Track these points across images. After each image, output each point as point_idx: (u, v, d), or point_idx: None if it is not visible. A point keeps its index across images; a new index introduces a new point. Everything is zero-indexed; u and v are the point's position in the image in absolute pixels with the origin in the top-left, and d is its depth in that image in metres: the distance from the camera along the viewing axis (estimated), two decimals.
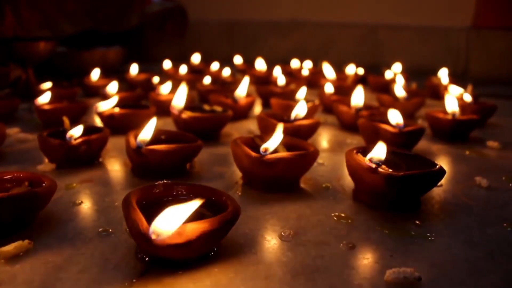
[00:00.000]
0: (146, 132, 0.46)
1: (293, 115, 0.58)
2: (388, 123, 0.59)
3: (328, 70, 1.04)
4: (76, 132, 0.49)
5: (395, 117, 0.57)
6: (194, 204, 0.29)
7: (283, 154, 0.42)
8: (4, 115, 0.72)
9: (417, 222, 0.40)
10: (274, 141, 0.43)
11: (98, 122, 0.75)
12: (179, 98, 0.60)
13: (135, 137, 0.48)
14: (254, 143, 0.48)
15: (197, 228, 0.29)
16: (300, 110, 0.58)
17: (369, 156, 0.42)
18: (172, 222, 0.28)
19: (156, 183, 0.36)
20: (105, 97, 0.78)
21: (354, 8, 1.46)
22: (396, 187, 0.40)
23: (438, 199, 0.46)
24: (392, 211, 0.42)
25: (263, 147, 0.42)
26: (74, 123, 0.55)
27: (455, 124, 0.65)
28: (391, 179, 0.39)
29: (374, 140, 0.57)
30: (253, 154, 0.42)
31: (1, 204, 0.34)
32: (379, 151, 0.42)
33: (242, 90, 0.71)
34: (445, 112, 0.69)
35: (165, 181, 0.36)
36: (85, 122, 0.73)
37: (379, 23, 1.44)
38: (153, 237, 0.27)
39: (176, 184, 0.36)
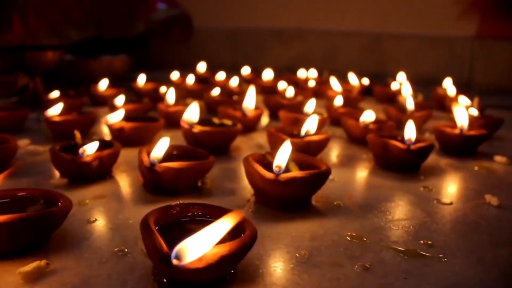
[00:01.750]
0: (159, 150, 0.46)
1: (303, 130, 0.58)
2: (396, 138, 0.59)
3: (334, 83, 1.04)
4: (89, 148, 0.50)
5: (410, 132, 0.57)
6: (219, 233, 0.29)
7: (296, 173, 0.43)
8: (13, 125, 0.72)
9: (429, 242, 0.40)
10: (283, 157, 0.43)
11: (105, 132, 0.76)
12: (191, 113, 0.60)
13: (148, 153, 0.48)
14: (266, 159, 0.48)
15: (217, 252, 0.29)
16: (310, 126, 0.58)
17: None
18: (195, 248, 0.28)
19: (172, 204, 0.36)
20: (114, 108, 0.78)
21: (358, 17, 1.46)
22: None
23: (448, 218, 0.46)
24: (403, 230, 0.42)
25: (275, 165, 0.42)
26: (83, 135, 0.55)
27: (464, 139, 0.65)
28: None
29: (383, 155, 0.58)
30: (267, 174, 0.42)
31: (19, 224, 0.34)
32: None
33: (250, 102, 0.71)
34: (453, 126, 0.69)
35: (181, 202, 0.36)
36: (94, 134, 0.73)
37: (383, 32, 1.45)
38: (175, 262, 0.28)
39: (192, 205, 0.36)
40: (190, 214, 0.36)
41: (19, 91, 1.00)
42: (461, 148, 0.66)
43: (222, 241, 0.31)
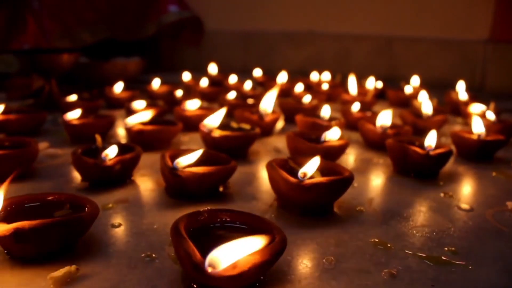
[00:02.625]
0: (188, 159, 0.46)
1: (323, 137, 0.58)
2: (415, 144, 0.59)
3: (352, 86, 1.04)
4: (111, 152, 0.50)
5: (431, 139, 0.58)
6: (251, 247, 0.29)
7: (320, 179, 0.43)
8: (31, 127, 0.73)
9: (453, 249, 0.40)
10: (312, 167, 0.43)
11: (121, 134, 0.76)
12: (214, 119, 0.60)
13: (170, 158, 0.48)
14: (288, 165, 0.49)
15: (250, 260, 0.29)
16: (333, 135, 0.58)
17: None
18: (228, 255, 0.28)
19: (201, 210, 0.36)
20: (130, 111, 0.78)
21: (370, 20, 1.46)
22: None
23: (470, 224, 0.46)
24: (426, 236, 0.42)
25: (301, 171, 0.43)
26: (101, 138, 0.56)
27: (482, 145, 0.65)
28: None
29: (401, 160, 0.58)
30: (291, 179, 0.42)
31: (48, 230, 0.34)
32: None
33: (269, 106, 0.71)
34: (469, 131, 0.69)
35: (209, 208, 0.37)
36: (111, 137, 0.74)
37: (395, 35, 1.44)
38: (209, 270, 0.28)
39: (220, 211, 0.37)
40: (219, 220, 0.36)
41: (34, 93, 1.01)
42: (478, 154, 0.66)
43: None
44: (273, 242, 0.32)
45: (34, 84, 1.01)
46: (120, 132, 0.78)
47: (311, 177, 0.44)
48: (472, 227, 0.45)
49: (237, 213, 0.36)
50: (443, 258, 0.39)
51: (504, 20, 1.25)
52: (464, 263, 0.38)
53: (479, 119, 0.67)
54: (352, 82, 1.05)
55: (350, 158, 0.66)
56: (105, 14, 1.25)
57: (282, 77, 1.18)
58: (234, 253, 0.29)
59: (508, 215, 0.48)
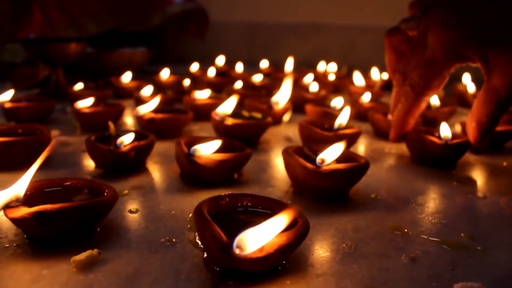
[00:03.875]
0: (207, 148, 0.46)
1: (337, 123, 0.58)
2: (433, 134, 0.59)
3: (358, 78, 1.04)
4: (126, 138, 0.50)
5: (445, 130, 0.58)
6: (278, 227, 0.30)
7: (338, 165, 0.43)
8: (40, 116, 0.73)
9: (470, 235, 0.40)
10: (332, 154, 0.43)
11: (129, 123, 0.76)
12: (226, 107, 0.60)
13: (185, 144, 0.48)
14: (303, 152, 0.49)
15: (276, 242, 0.30)
16: (343, 118, 0.58)
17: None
18: (257, 238, 0.28)
19: (222, 195, 0.36)
20: (139, 100, 0.78)
21: (375, 11, 1.46)
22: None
23: (485, 211, 0.46)
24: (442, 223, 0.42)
25: (319, 157, 0.43)
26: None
27: (493, 136, 0.65)
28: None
29: (420, 150, 0.58)
30: (309, 165, 0.42)
31: (70, 213, 0.34)
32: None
33: (284, 96, 0.71)
34: None
35: (231, 193, 0.37)
36: (120, 125, 0.74)
37: None
38: (237, 252, 0.28)
39: (241, 195, 0.37)
40: (240, 204, 0.36)
41: (41, 83, 1.01)
42: (489, 144, 0.66)
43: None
44: (296, 225, 0.32)
45: (41, 73, 1.00)
46: (129, 121, 0.78)
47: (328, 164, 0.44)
48: (487, 214, 0.45)
49: (258, 197, 0.37)
50: (461, 243, 0.39)
51: None
52: (481, 248, 0.38)
53: None
54: (357, 77, 1.05)
55: (361, 148, 0.66)
56: (111, 5, 1.24)
57: (289, 65, 1.18)
58: (262, 236, 0.29)
59: None
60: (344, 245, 0.37)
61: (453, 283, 0.32)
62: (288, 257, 0.33)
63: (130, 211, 0.42)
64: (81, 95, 0.79)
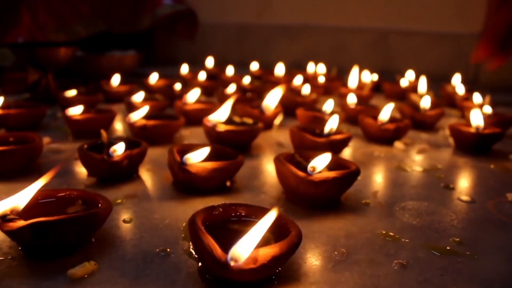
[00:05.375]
0: (197, 156, 0.47)
1: (326, 129, 0.59)
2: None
3: (352, 80, 1.05)
4: (119, 147, 0.50)
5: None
6: (262, 230, 0.30)
7: (329, 174, 0.43)
8: (31, 122, 0.73)
9: (457, 239, 0.41)
10: (321, 162, 0.44)
11: (119, 129, 0.76)
12: (220, 114, 0.61)
13: (178, 152, 0.49)
14: (294, 159, 0.49)
15: (269, 253, 0.30)
16: (333, 124, 0.59)
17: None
18: (247, 246, 0.29)
19: (216, 205, 0.37)
20: (131, 105, 0.78)
21: (365, 13, 1.47)
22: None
23: (473, 215, 0.47)
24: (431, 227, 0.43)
25: (310, 166, 0.43)
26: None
27: (480, 138, 0.66)
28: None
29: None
30: (300, 173, 0.43)
31: (66, 225, 0.35)
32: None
33: (273, 101, 0.72)
34: (467, 124, 0.70)
35: (224, 203, 0.37)
36: (111, 132, 0.74)
37: (390, 28, 1.45)
38: (232, 263, 0.29)
39: (235, 205, 0.37)
40: (233, 214, 0.37)
41: (30, 87, 1.00)
42: (476, 147, 0.67)
43: (269, 243, 0.32)
44: (289, 235, 0.33)
45: (30, 77, 0.99)
46: (119, 127, 0.78)
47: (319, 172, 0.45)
48: (475, 218, 0.46)
49: (251, 207, 0.37)
50: (449, 249, 0.40)
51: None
52: (469, 253, 0.39)
53: (478, 112, 0.68)
54: (353, 75, 1.06)
55: (351, 152, 0.67)
56: (100, 8, 1.24)
57: (280, 69, 1.18)
58: (253, 244, 0.29)
59: (508, 206, 0.50)
60: (336, 252, 0.38)
61: None
62: (281, 266, 0.34)
63: (124, 221, 0.43)
64: (72, 101, 0.79)
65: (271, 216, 0.32)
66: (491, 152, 0.69)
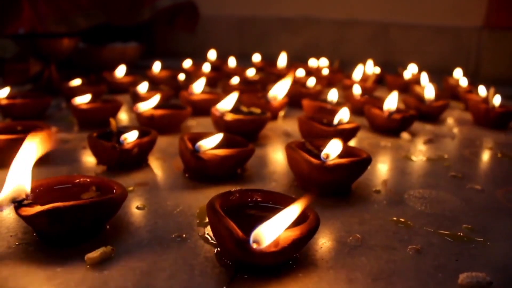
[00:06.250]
0: (209, 142, 0.47)
1: (336, 119, 0.59)
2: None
3: (357, 73, 1.05)
4: (130, 135, 0.50)
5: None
6: (290, 218, 0.30)
7: (342, 160, 0.44)
8: (36, 112, 0.72)
9: (470, 226, 0.42)
10: (334, 149, 0.44)
11: (124, 119, 0.76)
12: (227, 103, 0.61)
13: (189, 141, 0.49)
14: (305, 147, 0.50)
15: (289, 236, 0.30)
16: (343, 115, 0.59)
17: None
18: (271, 231, 0.29)
19: (232, 190, 0.37)
20: (136, 95, 0.78)
21: (366, 6, 1.47)
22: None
23: (483, 203, 0.47)
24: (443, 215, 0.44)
25: (324, 153, 0.43)
26: (109, 122, 0.55)
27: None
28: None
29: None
30: (314, 160, 0.43)
31: (82, 211, 0.35)
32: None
33: (281, 91, 0.71)
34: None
35: (240, 188, 0.37)
36: (117, 121, 0.74)
37: (391, 21, 1.45)
38: (254, 246, 0.29)
39: (251, 190, 0.37)
40: (249, 199, 0.37)
41: (32, 78, 0.99)
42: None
43: (289, 227, 0.32)
44: (307, 219, 0.33)
45: (32, 69, 0.99)
46: (124, 117, 0.78)
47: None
48: (485, 206, 0.47)
49: (268, 192, 0.37)
50: (462, 235, 0.40)
51: (499, 7, 1.26)
52: (482, 239, 0.39)
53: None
54: (358, 68, 1.06)
55: (358, 142, 0.67)
56: (100, 0, 1.23)
57: (282, 60, 1.18)
58: (276, 228, 0.30)
59: None
60: (351, 238, 0.38)
61: (458, 273, 0.33)
62: (300, 250, 0.34)
63: (138, 208, 0.43)
64: (76, 91, 0.79)
65: (300, 204, 0.32)
66: (496, 143, 0.70)
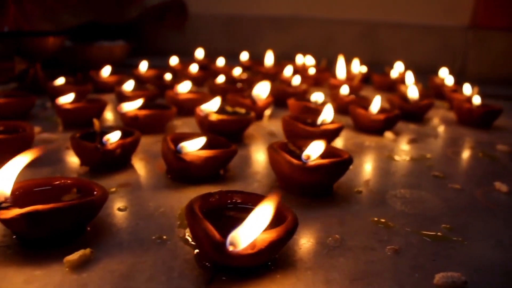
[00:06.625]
0: (193, 145, 0.47)
1: (320, 120, 0.59)
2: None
3: (340, 70, 1.05)
4: (113, 136, 0.50)
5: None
6: (266, 218, 0.30)
7: (323, 161, 0.44)
8: (20, 112, 0.72)
9: (448, 226, 0.42)
10: (316, 150, 0.44)
11: (109, 118, 0.76)
12: (212, 105, 0.61)
13: (171, 141, 0.49)
14: (287, 148, 0.50)
15: (267, 238, 0.31)
16: (327, 115, 0.59)
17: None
18: (248, 234, 0.29)
19: (212, 192, 0.37)
20: (121, 95, 0.78)
21: (354, 5, 1.47)
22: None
23: (462, 203, 0.48)
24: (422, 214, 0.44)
25: (305, 154, 0.44)
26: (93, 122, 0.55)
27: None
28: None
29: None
30: (295, 161, 0.43)
31: (61, 213, 0.35)
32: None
33: (263, 91, 0.72)
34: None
35: (221, 190, 0.37)
36: (102, 121, 0.73)
37: (379, 20, 1.46)
38: (231, 248, 0.29)
39: (231, 192, 0.37)
40: (229, 201, 0.37)
41: (17, 77, 0.98)
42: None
43: (266, 228, 0.32)
44: (285, 221, 0.33)
45: (17, 67, 0.98)
46: (109, 116, 0.78)
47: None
48: (464, 206, 0.47)
49: (247, 194, 0.37)
50: (440, 235, 0.41)
51: (485, 7, 1.28)
52: (460, 239, 0.40)
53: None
54: (340, 65, 1.06)
55: (342, 142, 0.68)
56: None
57: (269, 59, 1.18)
58: (253, 230, 0.30)
59: (496, 194, 0.51)
60: (330, 238, 0.39)
61: (434, 273, 0.34)
62: (278, 252, 0.34)
63: (119, 209, 0.43)
64: (61, 90, 0.78)
65: (271, 203, 0.32)
66: (478, 142, 0.71)
